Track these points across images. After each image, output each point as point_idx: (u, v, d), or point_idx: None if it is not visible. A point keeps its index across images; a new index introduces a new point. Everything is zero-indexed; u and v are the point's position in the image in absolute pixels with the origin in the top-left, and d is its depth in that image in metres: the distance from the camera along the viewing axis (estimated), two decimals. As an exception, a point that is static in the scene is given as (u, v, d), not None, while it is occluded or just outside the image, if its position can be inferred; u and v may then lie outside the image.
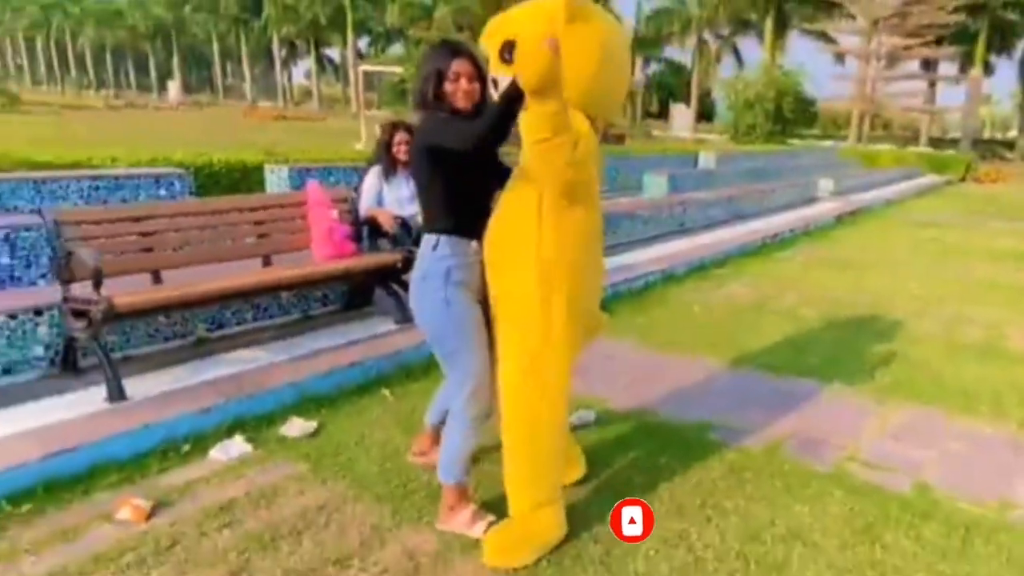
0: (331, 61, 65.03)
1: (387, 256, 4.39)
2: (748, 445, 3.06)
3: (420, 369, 3.88)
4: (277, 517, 2.48)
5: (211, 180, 7.06)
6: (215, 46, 64.06)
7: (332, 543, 2.32)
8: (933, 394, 3.70)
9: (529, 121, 2.01)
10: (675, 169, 11.99)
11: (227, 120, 30.09)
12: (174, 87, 55.64)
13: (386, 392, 3.63)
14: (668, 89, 48.21)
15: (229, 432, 3.08)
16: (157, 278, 3.71)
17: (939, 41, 27.81)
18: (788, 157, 16.78)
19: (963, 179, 20.61)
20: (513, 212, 2.21)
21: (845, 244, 8.58)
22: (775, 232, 8.73)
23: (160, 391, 3.24)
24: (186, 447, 2.95)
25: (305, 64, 64.75)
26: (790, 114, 26.39)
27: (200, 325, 4.08)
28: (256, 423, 3.19)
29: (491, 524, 2.32)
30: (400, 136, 4.57)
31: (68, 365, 3.48)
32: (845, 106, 32.13)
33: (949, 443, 3.14)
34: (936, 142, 33.71)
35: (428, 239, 2.32)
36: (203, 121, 28.38)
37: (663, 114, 40.95)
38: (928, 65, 32.65)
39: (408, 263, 4.47)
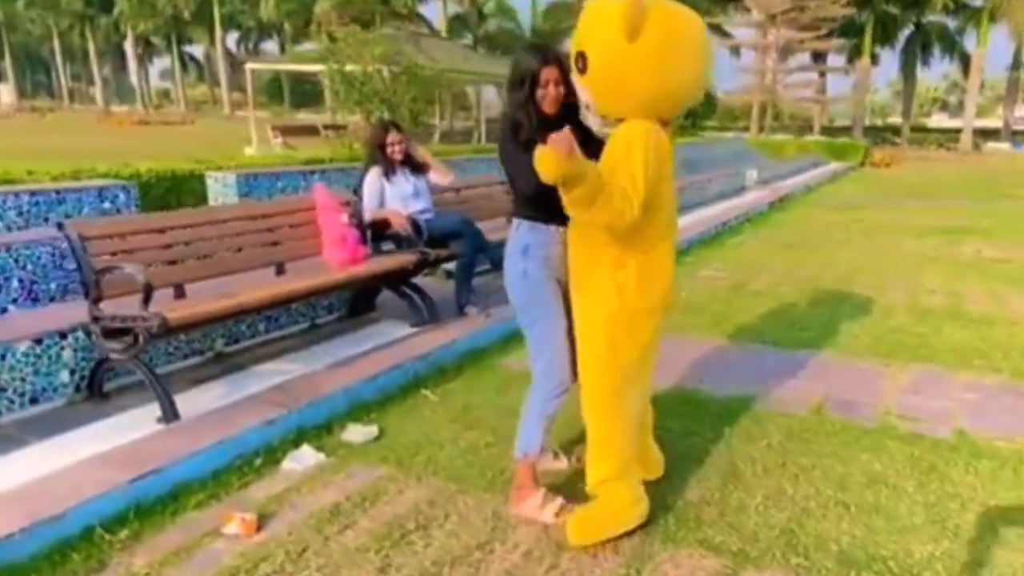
0: (193, 59, 61.90)
1: (403, 257, 4.47)
2: (793, 411, 3.41)
3: (453, 369, 4.02)
4: (391, 516, 2.56)
5: (147, 192, 6.77)
6: (56, 44, 58.60)
7: (463, 533, 2.44)
8: (927, 354, 4.21)
9: (563, 199, 2.10)
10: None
11: (83, 127, 28.24)
12: (7, 91, 50.98)
13: (427, 393, 3.73)
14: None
15: (295, 443, 3.11)
16: (180, 292, 3.64)
17: (829, 34, 30.22)
18: (707, 149, 17.76)
19: (862, 164, 22.54)
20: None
21: (786, 228, 9.30)
22: (724, 220, 9.35)
23: (213, 407, 3.21)
24: (258, 460, 2.96)
25: (162, 63, 61.24)
26: (698, 107, 27.78)
27: (219, 340, 4.02)
28: (316, 432, 3.23)
29: (563, 507, 2.50)
30: (393, 137, 4.65)
31: (94, 390, 3.37)
32: (745, 98, 34.25)
33: (963, 394, 3.62)
34: (827, 130, 36.54)
35: (513, 222, 2.53)
36: (53, 129, 26.49)
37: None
38: (817, 57, 35.39)
39: (423, 264, 4.59)
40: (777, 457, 2.94)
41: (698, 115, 28.35)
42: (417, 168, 4.81)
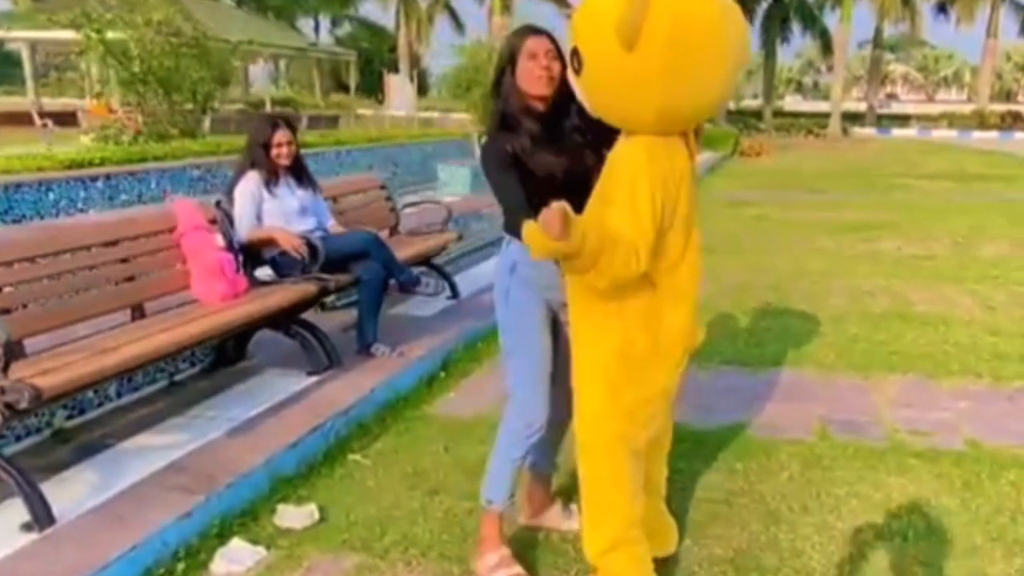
0: None
1: (298, 288, 4.40)
2: (799, 437, 3.82)
3: (376, 425, 4.06)
4: (398, 614, 2.57)
5: None
6: None
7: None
8: (902, 364, 4.87)
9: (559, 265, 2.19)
10: (458, 159, 12.80)
11: None
12: None
13: (357, 457, 3.73)
14: (366, 57, 48.98)
15: (220, 537, 3.00)
16: (11, 352, 3.32)
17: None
18: None
19: (732, 154, 24.84)
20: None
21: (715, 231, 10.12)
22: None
23: (93, 503, 3.00)
24: (181, 565, 2.82)
25: None
26: (547, 87, 29.18)
27: (59, 412, 3.71)
28: (241, 520, 3.14)
29: None
30: (281, 135, 4.58)
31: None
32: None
33: (955, 403, 4.25)
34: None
35: (504, 238, 2.67)
36: None
37: (368, 88, 41.68)
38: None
39: (322, 295, 4.55)
40: (806, 490, 3.30)
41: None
42: (307, 179, 4.75)
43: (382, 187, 6.31)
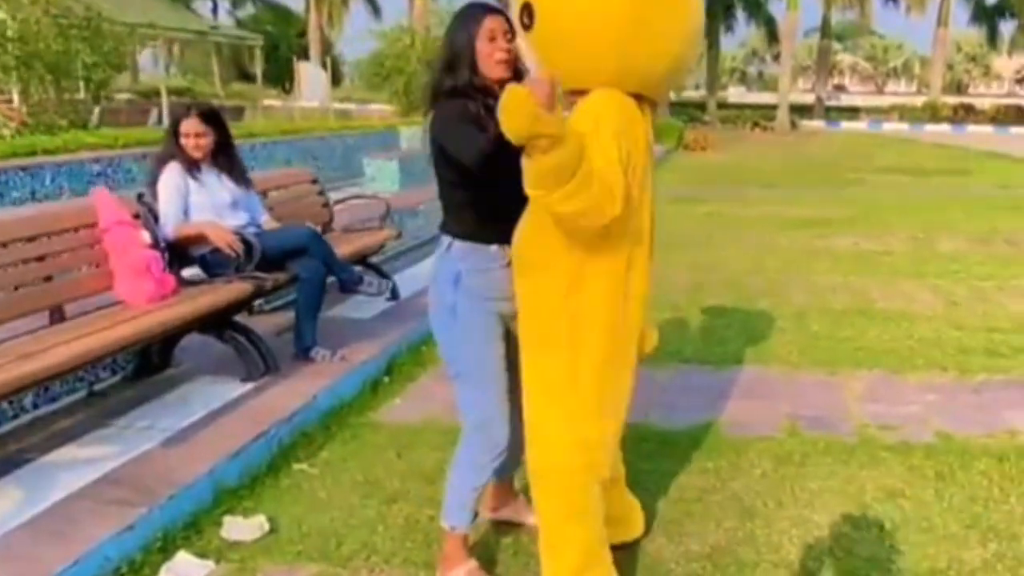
0: None
1: (232, 288, 4.43)
2: (767, 434, 4.04)
3: (319, 433, 4.14)
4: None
5: None
6: None
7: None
8: (867, 360, 5.15)
9: (525, 169, 2.13)
10: (384, 152, 12.82)
11: None
12: None
13: (302, 467, 3.80)
14: (272, 42, 48.30)
15: (164, 551, 3.05)
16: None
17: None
18: None
19: (677, 147, 25.40)
20: (539, 250, 2.40)
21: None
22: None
23: (22, 519, 3.02)
24: (124, 583, 2.87)
25: None
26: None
27: (-31, 425, 3.68)
28: (184, 533, 3.19)
29: None
30: (190, 125, 4.58)
31: None
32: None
33: (922, 397, 4.54)
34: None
35: (443, 240, 2.68)
36: None
37: (274, 77, 41.21)
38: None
39: (257, 295, 4.60)
40: (780, 486, 3.50)
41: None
42: (238, 171, 4.79)
43: (313, 181, 6.36)
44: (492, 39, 2.51)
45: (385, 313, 5.85)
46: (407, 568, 2.98)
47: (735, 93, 72.48)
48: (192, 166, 4.56)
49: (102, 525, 2.97)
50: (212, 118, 4.64)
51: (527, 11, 2.31)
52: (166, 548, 3.05)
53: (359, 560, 3.04)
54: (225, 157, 4.73)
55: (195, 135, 4.58)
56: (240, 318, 4.81)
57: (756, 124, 35.96)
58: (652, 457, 3.77)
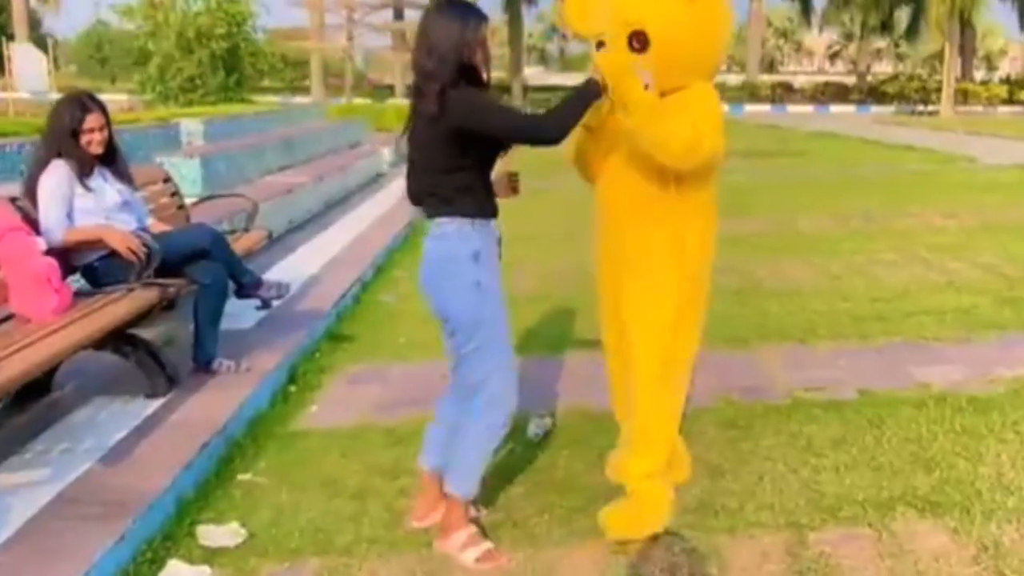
0: None
1: (136, 297, 4.71)
2: (705, 405, 4.77)
3: (249, 444, 4.56)
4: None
5: None
6: None
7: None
8: (775, 333, 6.16)
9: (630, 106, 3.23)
10: (173, 151, 12.86)
11: None
12: None
13: (249, 476, 4.23)
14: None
15: (152, 562, 3.43)
16: None
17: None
18: (283, 119, 18.79)
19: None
20: (646, 214, 3.44)
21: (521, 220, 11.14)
22: (409, 218, 10.79)
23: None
24: (127, 593, 3.25)
25: None
26: (250, 59, 28.97)
27: None
28: (163, 544, 3.57)
29: (486, 554, 3.37)
30: (94, 119, 4.84)
31: None
32: (304, 45, 36.90)
33: (835, 362, 5.54)
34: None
35: (454, 221, 3.31)
36: None
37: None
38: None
39: (159, 304, 4.92)
40: (734, 446, 4.30)
41: (244, 73, 29.64)
42: (121, 168, 5.08)
43: (166, 180, 6.63)
44: (484, 43, 3.25)
45: (263, 322, 6.22)
46: (416, 550, 3.48)
47: (534, 74, 74.52)
48: (87, 166, 4.80)
49: (92, 540, 3.30)
50: (104, 110, 4.90)
51: (639, 37, 3.25)
52: (154, 559, 3.42)
53: (360, 550, 3.51)
54: (111, 154, 4.98)
55: (99, 129, 4.83)
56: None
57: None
58: (602, 434, 4.44)
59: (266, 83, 41.92)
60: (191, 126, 14.97)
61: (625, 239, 3.52)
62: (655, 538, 3.49)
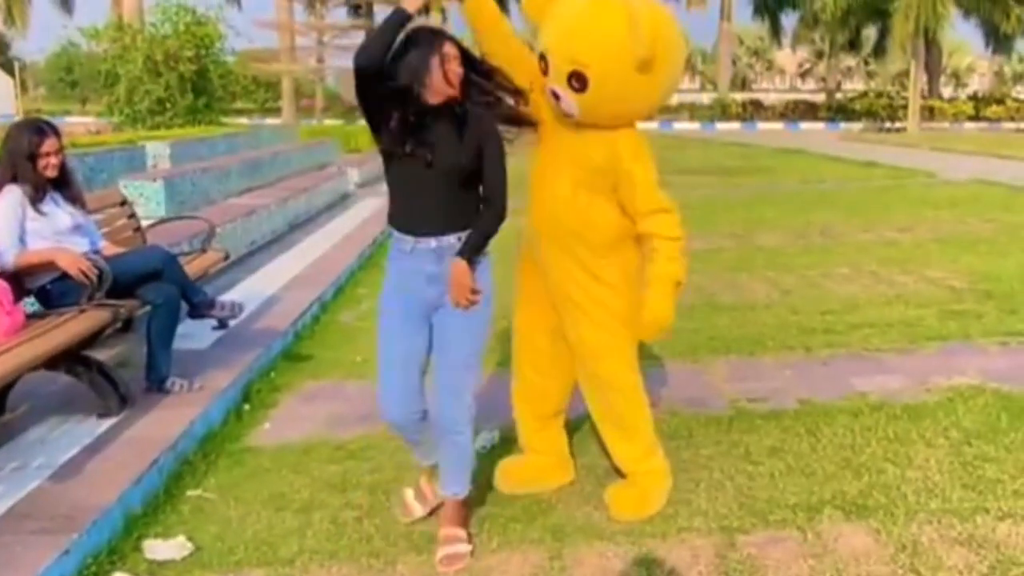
0: None
1: (88, 317, 4.79)
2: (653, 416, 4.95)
3: (199, 461, 4.65)
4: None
5: None
6: None
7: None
8: (722, 346, 6.31)
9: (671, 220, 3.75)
10: (137, 172, 12.94)
11: None
12: None
13: (199, 492, 4.32)
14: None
15: (98, 575, 3.53)
16: None
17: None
18: (252, 141, 18.87)
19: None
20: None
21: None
22: (373, 236, 10.91)
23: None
24: (70, 610, 3.34)
25: None
26: (220, 81, 29.01)
27: None
28: (109, 558, 3.67)
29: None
30: (50, 144, 4.92)
31: None
32: (274, 67, 36.96)
33: (780, 373, 5.70)
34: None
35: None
36: None
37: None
38: (359, 10, 40.15)
39: (111, 325, 5.01)
40: (677, 455, 4.40)
41: (215, 95, 29.71)
42: (73, 191, 5.16)
43: (123, 203, 6.70)
44: (448, 60, 3.38)
45: (221, 341, 6.30)
46: (356, 561, 3.59)
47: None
48: (41, 190, 4.88)
49: (38, 553, 3.39)
50: (58, 133, 5.00)
51: (579, 78, 3.54)
52: (98, 572, 3.52)
53: (302, 561, 3.61)
54: (63, 177, 5.08)
55: (54, 153, 4.92)
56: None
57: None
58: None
59: (238, 105, 42.07)
60: (157, 148, 15.00)
61: (556, 269, 3.94)
62: (588, 544, 3.63)
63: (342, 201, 15.15)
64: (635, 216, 3.77)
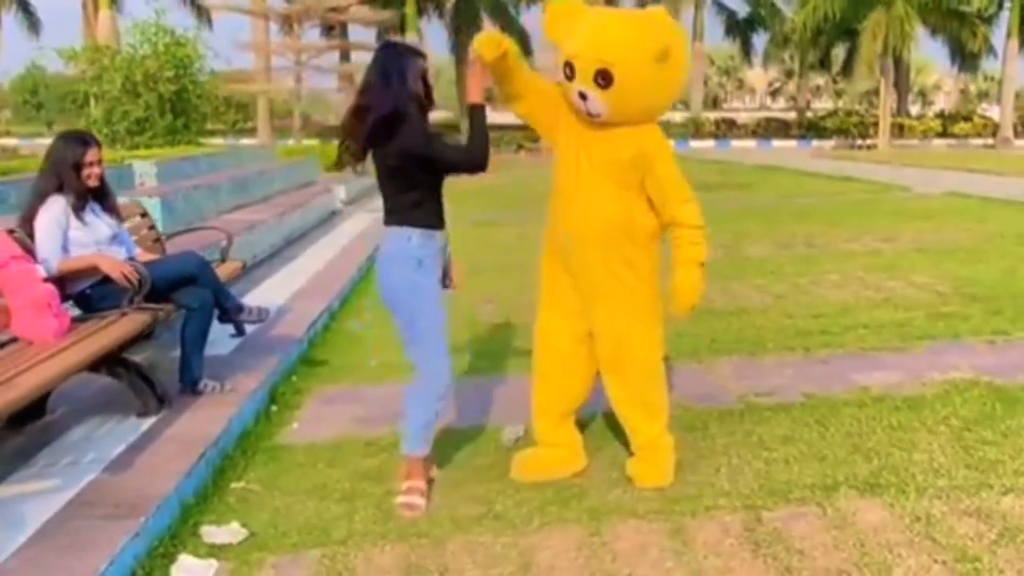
0: None
1: (131, 320, 5.02)
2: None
3: (239, 457, 4.88)
4: None
5: None
6: None
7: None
8: (724, 348, 6.61)
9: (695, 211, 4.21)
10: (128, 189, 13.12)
11: None
12: None
13: (243, 484, 4.55)
14: None
15: (165, 556, 3.75)
16: None
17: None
18: (234, 160, 19.02)
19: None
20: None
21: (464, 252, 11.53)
22: (367, 253, 11.15)
23: (15, 546, 3.59)
24: (144, 586, 3.58)
25: None
26: (198, 102, 29.09)
27: None
28: (172, 542, 3.89)
29: (409, 502, 4.11)
30: (93, 154, 5.19)
31: None
32: (251, 88, 37.04)
33: (782, 372, 5.99)
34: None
35: (402, 231, 4.03)
36: None
37: None
38: (332, 31, 40.44)
39: (151, 328, 5.24)
40: (696, 445, 4.71)
41: (195, 116, 29.82)
42: (111, 202, 5.39)
43: (144, 214, 6.92)
44: (425, 75, 4.00)
45: (240, 348, 6.52)
46: (406, 540, 3.84)
47: (483, 113, 74.88)
48: (82, 200, 5.12)
49: (110, 536, 3.62)
50: (100, 145, 5.25)
51: (603, 75, 3.91)
52: (165, 554, 3.75)
53: (354, 541, 3.86)
54: (102, 188, 5.32)
55: (97, 163, 5.17)
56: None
57: (520, 146, 38.51)
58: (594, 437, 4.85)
59: (210, 125, 41.94)
60: (144, 167, 15.15)
61: (596, 267, 4.26)
62: (623, 522, 3.90)
63: (331, 218, 15.39)
64: (662, 206, 4.15)
